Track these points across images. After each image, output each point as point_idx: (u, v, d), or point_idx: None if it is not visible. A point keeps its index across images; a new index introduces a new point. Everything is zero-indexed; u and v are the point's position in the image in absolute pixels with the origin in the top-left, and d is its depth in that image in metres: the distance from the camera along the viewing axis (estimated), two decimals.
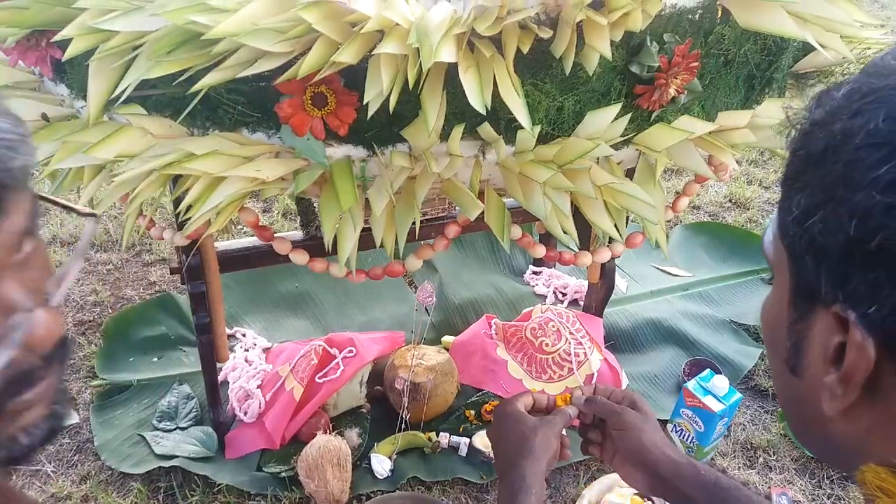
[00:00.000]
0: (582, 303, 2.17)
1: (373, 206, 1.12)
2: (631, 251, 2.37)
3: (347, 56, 0.93)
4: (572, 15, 0.97)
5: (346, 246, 1.15)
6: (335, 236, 1.16)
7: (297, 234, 1.55)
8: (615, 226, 1.22)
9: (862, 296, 0.40)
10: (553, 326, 1.94)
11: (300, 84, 1.00)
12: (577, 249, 1.61)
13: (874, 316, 0.40)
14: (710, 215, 2.77)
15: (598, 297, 2.01)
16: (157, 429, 1.77)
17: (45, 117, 1.16)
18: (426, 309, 2.10)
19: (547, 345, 1.92)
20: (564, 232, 1.16)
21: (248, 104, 1.07)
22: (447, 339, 2.06)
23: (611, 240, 1.45)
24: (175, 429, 1.77)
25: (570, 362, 1.89)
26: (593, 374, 1.87)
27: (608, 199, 1.19)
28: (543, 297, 2.30)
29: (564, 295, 2.31)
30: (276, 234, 1.40)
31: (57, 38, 1.02)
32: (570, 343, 1.91)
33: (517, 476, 0.94)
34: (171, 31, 0.96)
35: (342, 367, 1.76)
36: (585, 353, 1.90)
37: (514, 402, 1.04)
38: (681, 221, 2.70)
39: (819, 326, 0.45)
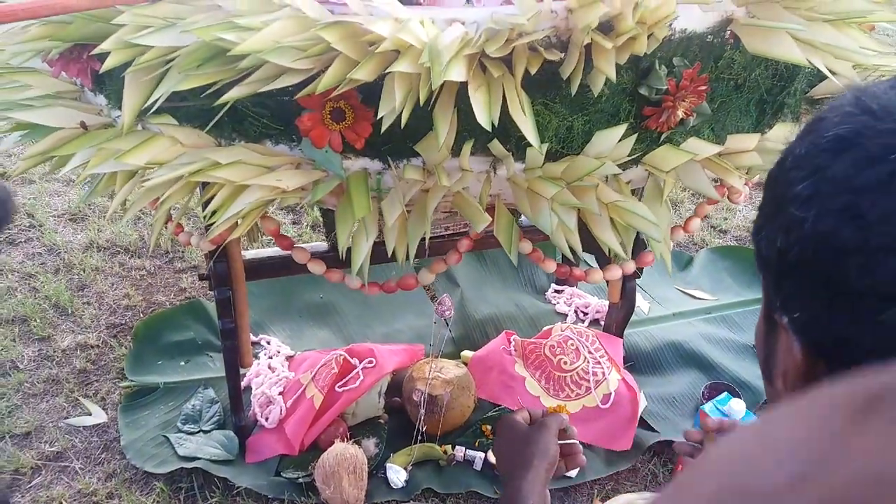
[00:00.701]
0: (603, 322, 2.18)
1: (385, 217, 1.16)
2: (655, 274, 2.39)
3: (364, 74, 0.98)
4: (581, 38, 1.01)
5: (359, 255, 1.19)
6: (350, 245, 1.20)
7: (323, 245, 1.61)
8: (622, 243, 1.24)
9: (790, 303, 0.45)
10: (572, 345, 1.96)
11: (320, 99, 1.05)
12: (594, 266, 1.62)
13: (798, 321, 0.44)
14: (736, 239, 2.76)
15: (619, 317, 2.02)
16: (181, 431, 1.82)
17: (83, 125, 1.23)
18: (445, 322, 2.13)
19: (565, 363, 1.93)
20: (570, 248, 1.19)
21: (272, 117, 1.13)
22: (466, 353, 2.09)
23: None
24: (198, 431, 1.83)
25: (588, 381, 1.90)
26: (610, 394, 1.88)
27: (614, 216, 1.22)
28: (564, 316, 2.31)
29: (586, 314, 2.32)
30: (296, 245, 1.45)
31: (96, 51, 1.09)
32: (588, 362, 1.93)
33: (515, 486, 0.96)
34: (201, 47, 1.03)
35: (362, 377, 1.80)
36: (604, 373, 1.91)
37: (512, 417, 1.06)
38: (706, 244, 2.69)
39: (783, 338, 0.49)
